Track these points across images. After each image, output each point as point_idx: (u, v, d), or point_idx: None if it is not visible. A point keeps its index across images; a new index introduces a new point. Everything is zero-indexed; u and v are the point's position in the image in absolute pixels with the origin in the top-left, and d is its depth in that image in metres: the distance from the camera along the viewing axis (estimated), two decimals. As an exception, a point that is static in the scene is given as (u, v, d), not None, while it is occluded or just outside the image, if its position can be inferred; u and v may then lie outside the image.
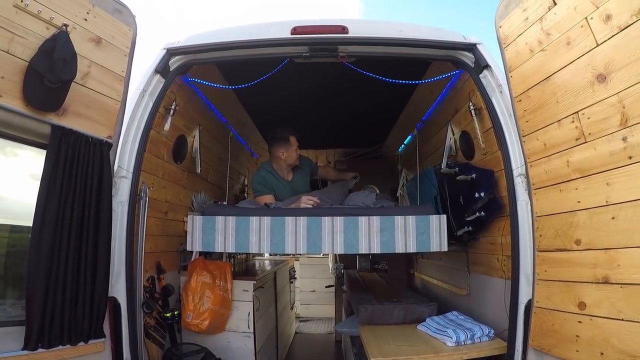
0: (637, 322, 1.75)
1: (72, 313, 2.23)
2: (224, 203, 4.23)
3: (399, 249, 3.00)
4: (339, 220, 3.04)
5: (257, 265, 5.37)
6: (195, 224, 3.10)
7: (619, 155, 1.83)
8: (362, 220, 3.03)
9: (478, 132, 3.00)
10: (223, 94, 3.81)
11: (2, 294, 2.33)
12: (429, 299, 3.75)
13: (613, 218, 1.86)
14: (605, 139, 1.89)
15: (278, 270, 5.19)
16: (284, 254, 7.88)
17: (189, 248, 3.19)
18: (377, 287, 4.76)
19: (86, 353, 2.31)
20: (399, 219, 3.01)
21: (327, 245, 3.03)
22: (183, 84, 3.26)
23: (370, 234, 3.00)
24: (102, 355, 2.40)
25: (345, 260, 6.20)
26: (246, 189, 5.87)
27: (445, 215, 3.10)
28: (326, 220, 3.04)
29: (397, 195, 5.09)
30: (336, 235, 3.01)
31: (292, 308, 6.61)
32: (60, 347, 2.18)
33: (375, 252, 3.06)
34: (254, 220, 3.07)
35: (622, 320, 1.81)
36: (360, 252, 3.06)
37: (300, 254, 7.93)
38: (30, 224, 2.11)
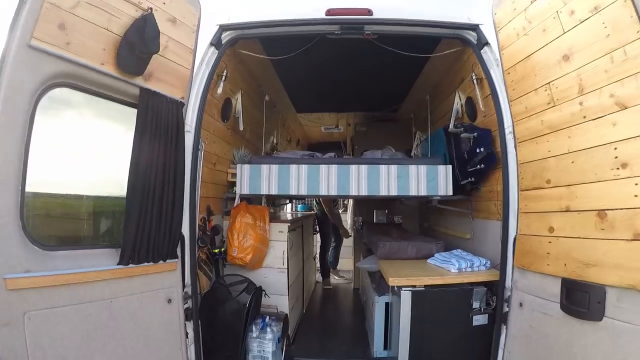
0: (589, 238, 2.20)
1: (156, 239, 2.66)
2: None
3: (413, 192, 3.48)
4: (364, 168, 3.52)
5: (282, 216, 5.80)
6: (243, 172, 3.59)
7: (577, 115, 2.30)
8: (383, 168, 3.51)
9: (479, 98, 3.41)
10: (261, 62, 4.13)
11: (100, 229, 2.84)
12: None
13: (572, 162, 2.33)
14: (568, 104, 2.36)
15: (304, 219, 5.67)
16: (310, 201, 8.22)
17: (238, 192, 3.63)
18: (392, 232, 5.18)
19: (164, 270, 2.75)
20: (412, 168, 3.49)
21: (354, 188, 3.52)
22: (231, 54, 3.63)
23: (389, 180, 3.49)
24: (175, 273, 2.86)
25: (364, 215, 6.56)
26: (277, 147, 6.22)
27: (450, 166, 3.53)
28: (353, 168, 3.52)
29: (412, 155, 5.44)
30: (361, 180, 3.50)
31: (314, 258, 7.01)
32: (146, 263, 2.62)
33: (393, 195, 3.50)
34: (293, 167, 3.55)
35: (579, 238, 2.27)
36: (380, 194, 3.50)
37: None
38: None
